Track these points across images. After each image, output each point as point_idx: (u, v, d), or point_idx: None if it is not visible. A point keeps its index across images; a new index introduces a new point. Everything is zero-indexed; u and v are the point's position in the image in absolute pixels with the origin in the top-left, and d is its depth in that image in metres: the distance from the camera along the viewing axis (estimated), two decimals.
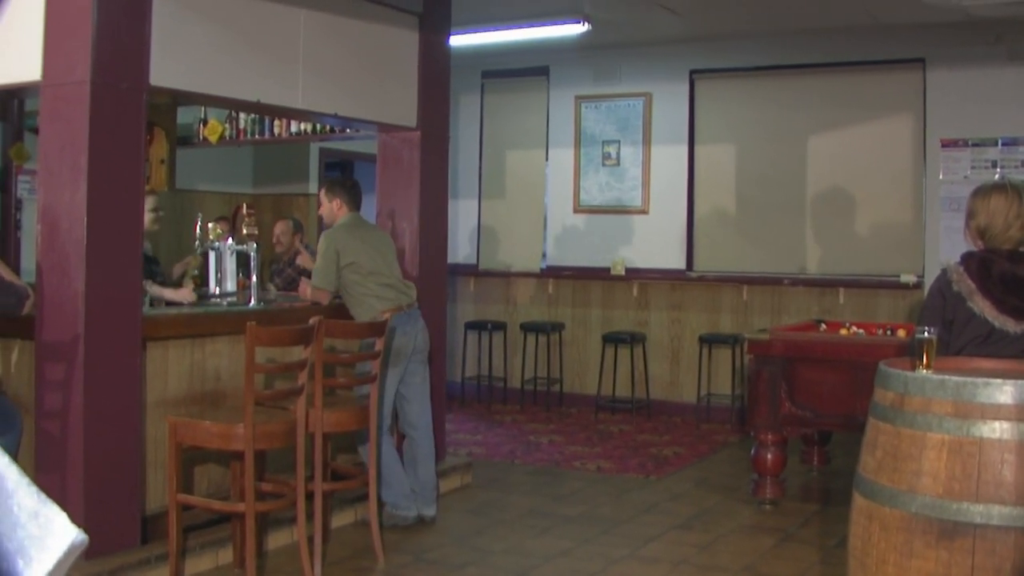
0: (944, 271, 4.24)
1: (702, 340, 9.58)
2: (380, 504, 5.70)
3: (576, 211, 10.61)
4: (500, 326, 10.51)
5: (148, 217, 6.35)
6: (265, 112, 8.02)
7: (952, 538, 3.10)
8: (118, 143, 4.84)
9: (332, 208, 6.17)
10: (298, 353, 5.04)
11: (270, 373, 5.31)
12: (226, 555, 5.24)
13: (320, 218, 6.53)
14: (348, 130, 8.11)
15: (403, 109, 6.78)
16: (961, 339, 4.10)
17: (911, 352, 3.61)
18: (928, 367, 3.46)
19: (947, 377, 3.24)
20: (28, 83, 4.98)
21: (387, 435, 5.97)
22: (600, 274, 10.30)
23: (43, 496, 1.07)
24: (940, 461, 3.16)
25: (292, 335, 4.92)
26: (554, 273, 10.58)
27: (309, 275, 7.36)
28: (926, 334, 3.50)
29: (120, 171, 4.86)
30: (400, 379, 6.05)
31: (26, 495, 1.02)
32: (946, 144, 9.02)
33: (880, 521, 3.28)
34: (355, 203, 6.21)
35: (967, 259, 4.23)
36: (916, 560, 3.16)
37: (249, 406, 4.60)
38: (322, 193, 6.23)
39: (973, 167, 8.93)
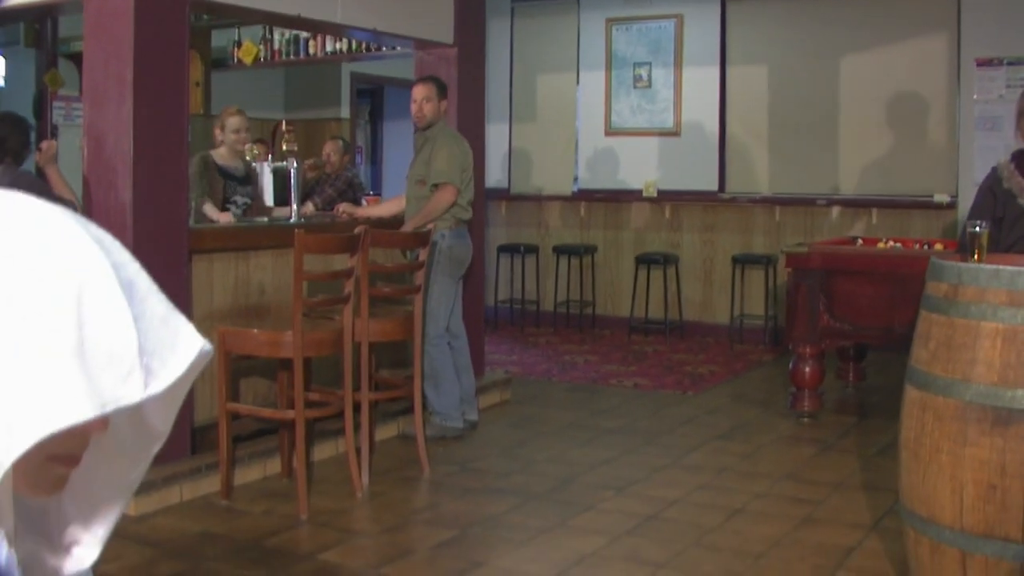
0: (994, 169, 4.24)
1: (735, 261, 9.57)
2: (425, 416, 5.77)
3: (607, 134, 10.56)
4: (532, 249, 10.53)
5: (232, 138, 6.35)
6: (304, 27, 7.97)
7: (1007, 425, 3.13)
8: (162, 57, 4.85)
9: (440, 108, 6.14)
10: (343, 262, 5.07)
11: (314, 282, 5.33)
12: (274, 466, 5.33)
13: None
14: (384, 48, 8.07)
15: (440, 25, 6.74)
16: (1011, 236, 4.10)
17: (961, 247, 3.62)
18: (980, 261, 3.47)
19: (1001, 267, 3.24)
20: None
21: (446, 344, 6.04)
22: (632, 196, 10.27)
23: (171, 304, 1.06)
24: (995, 350, 3.18)
25: (339, 243, 4.95)
26: (586, 196, 10.56)
27: (347, 197, 7.39)
28: (978, 228, 3.51)
29: (165, 84, 4.87)
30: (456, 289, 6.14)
31: (157, 302, 1.03)
32: (981, 63, 8.89)
33: (934, 411, 3.30)
34: None
35: (1018, 157, 4.22)
36: (970, 448, 3.19)
37: (297, 314, 4.64)
38: (433, 90, 6.08)
39: (1008, 86, 8.81)
